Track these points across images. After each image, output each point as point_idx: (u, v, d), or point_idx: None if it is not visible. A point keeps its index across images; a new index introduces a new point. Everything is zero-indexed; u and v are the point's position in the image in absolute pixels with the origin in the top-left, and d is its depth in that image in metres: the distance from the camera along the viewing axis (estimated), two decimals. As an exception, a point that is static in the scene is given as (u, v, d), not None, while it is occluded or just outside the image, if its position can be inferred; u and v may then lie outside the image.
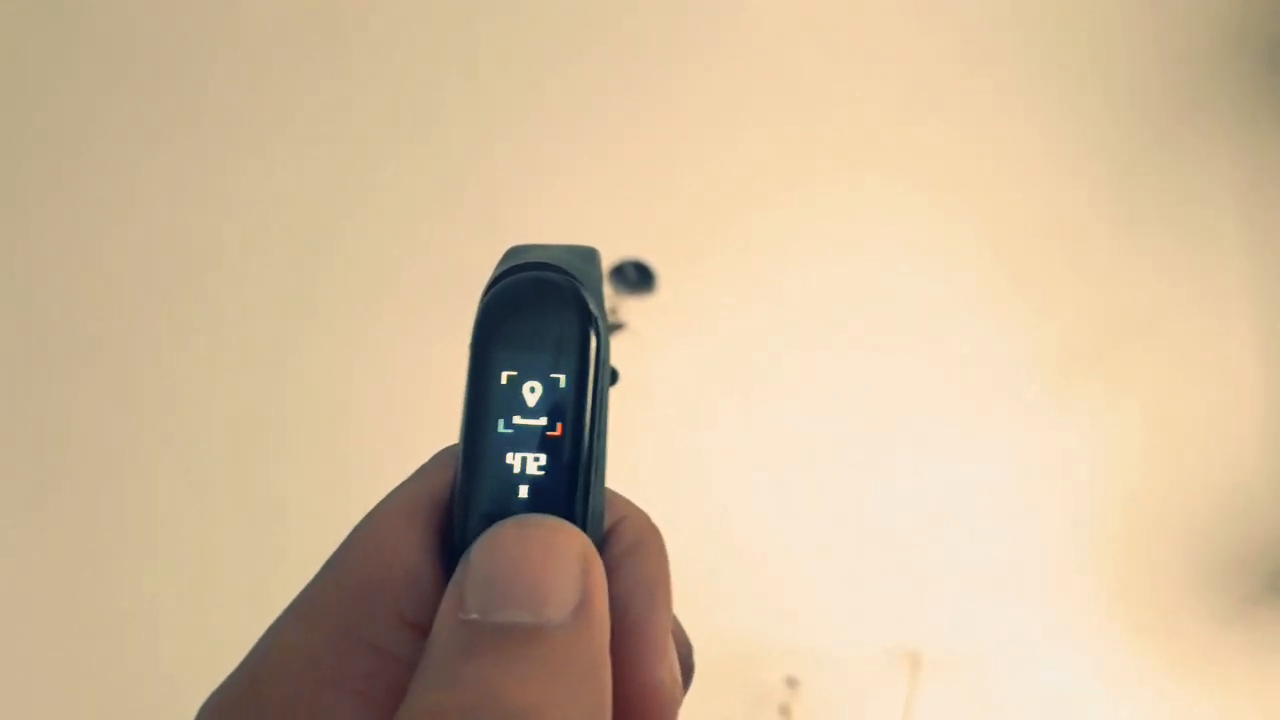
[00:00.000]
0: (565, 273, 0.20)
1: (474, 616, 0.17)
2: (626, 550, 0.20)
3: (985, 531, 1.15)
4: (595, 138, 1.11)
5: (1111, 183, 1.13)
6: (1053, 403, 1.13)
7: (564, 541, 0.18)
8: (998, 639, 1.15)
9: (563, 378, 0.20)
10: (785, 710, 1.11)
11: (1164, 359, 1.13)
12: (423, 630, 0.19)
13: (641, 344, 1.08)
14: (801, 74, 1.11)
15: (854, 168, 1.12)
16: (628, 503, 0.21)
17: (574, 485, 0.19)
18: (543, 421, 0.20)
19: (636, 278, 1.07)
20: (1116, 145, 1.12)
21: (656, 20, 1.11)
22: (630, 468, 1.14)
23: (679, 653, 0.21)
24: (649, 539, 0.21)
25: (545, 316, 0.20)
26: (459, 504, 0.20)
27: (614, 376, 0.25)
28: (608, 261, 1.08)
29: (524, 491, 0.19)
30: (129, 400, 1.09)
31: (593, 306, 0.20)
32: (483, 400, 0.20)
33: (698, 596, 1.14)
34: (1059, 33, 1.12)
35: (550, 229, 1.10)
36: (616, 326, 1.06)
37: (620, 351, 1.09)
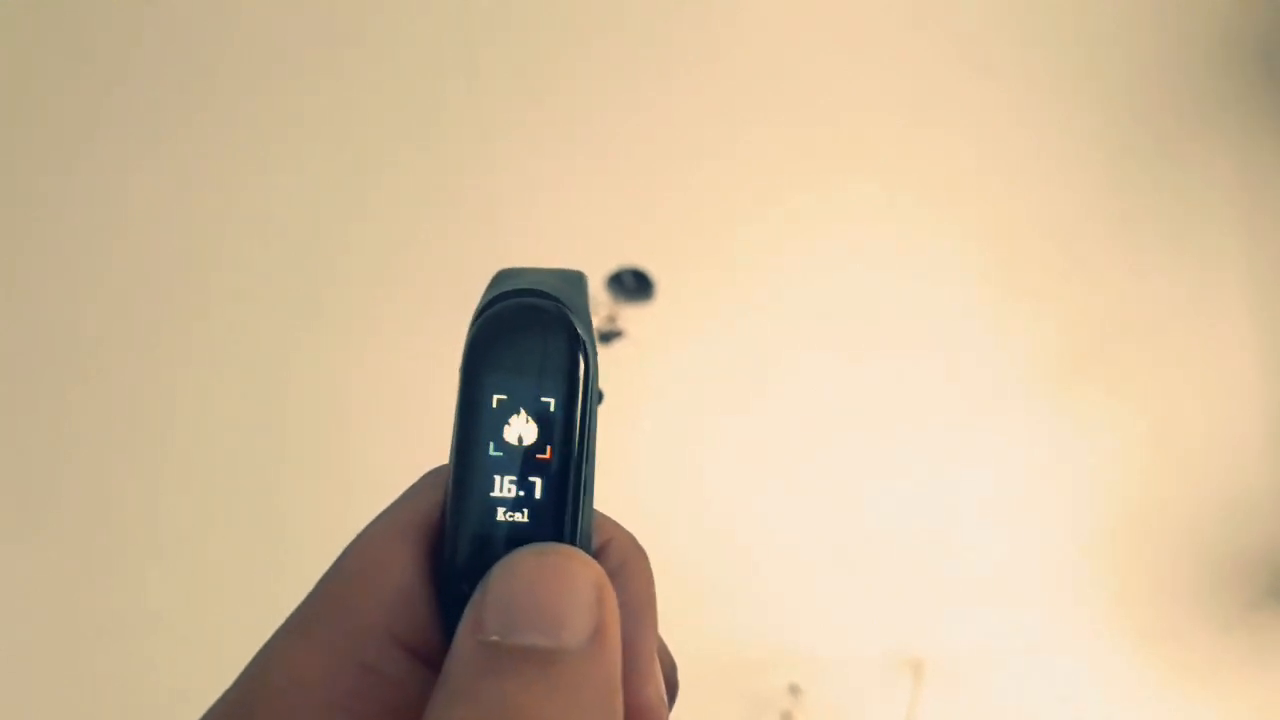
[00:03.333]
0: (553, 298, 0.21)
1: (493, 638, 0.18)
2: (613, 571, 0.21)
3: (987, 537, 1.15)
4: (594, 143, 1.11)
5: (1109, 188, 1.13)
6: (1053, 408, 1.13)
7: (580, 570, 0.19)
8: (1000, 645, 1.15)
9: (552, 401, 0.20)
10: (787, 717, 1.11)
11: (1163, 364, 1.13)
12: (413, 650, 0.19)
13: (640, 351, 1.08)
14: (800, 80, 1.12)
15: (853, 173, 1.12)
16: (614, 524, 0.22)
17: (564, 507, 0.20)
18: (533, 445, 0.20)
19: (635, 285, 1.07)
20: (1114, 150, 1.13)
21: (654, 27, 1.11)
22: (630, 476, 1.15)
23: (664, 672, 0.21)
24: (635, 560, 0.21)
25: (534, 341, 0.20)
26: (450, 525, 0.20)
27: (599, 397, 0.25)
28: (607, 268, 1.08)
29: (514, 514, 0.20)
30: (128, 407, 1.10)
31: (581, 331, 0.20)
32: (473, 423, 0.20)
33: (699, 604, 1.15)
34: (1056, 37, 1.12)
35: (549, 236, 1.10)
36: (615, 334, 1.06)
37: (618, 359, 1.09)
